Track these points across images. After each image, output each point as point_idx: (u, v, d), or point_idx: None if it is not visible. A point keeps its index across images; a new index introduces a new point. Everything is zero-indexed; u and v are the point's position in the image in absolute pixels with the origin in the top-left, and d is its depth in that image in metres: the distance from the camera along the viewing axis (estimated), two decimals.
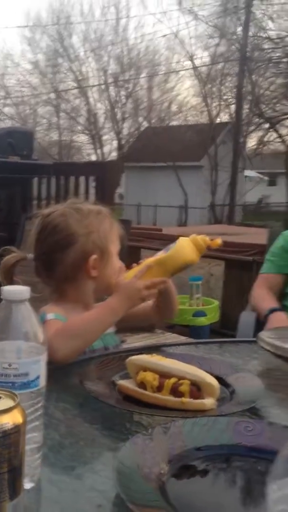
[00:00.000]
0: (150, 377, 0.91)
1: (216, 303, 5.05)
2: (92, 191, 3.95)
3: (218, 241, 1.18)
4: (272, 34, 18.83)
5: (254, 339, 1.26)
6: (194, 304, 4.92)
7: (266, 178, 27.18)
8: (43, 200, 4.04)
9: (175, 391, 0.89)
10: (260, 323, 1.91)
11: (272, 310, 1.91)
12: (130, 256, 2.55)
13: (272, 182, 29.06)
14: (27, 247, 1.33)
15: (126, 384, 0.94)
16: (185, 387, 0.89)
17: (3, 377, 0.62)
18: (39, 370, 0.64)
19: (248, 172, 22.21)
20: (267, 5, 18.65)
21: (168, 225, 10.68)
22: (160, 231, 6.38)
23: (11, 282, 1.22)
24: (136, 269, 1.18)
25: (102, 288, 1.25)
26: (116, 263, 1.28)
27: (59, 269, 1.22)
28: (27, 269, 1.30)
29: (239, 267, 5.23)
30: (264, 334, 1.21)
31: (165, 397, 0.89)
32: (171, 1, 36.32)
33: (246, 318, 2.06)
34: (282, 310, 1.94)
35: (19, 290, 0.64)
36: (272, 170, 25.61)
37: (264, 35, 19.01)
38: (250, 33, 18.45)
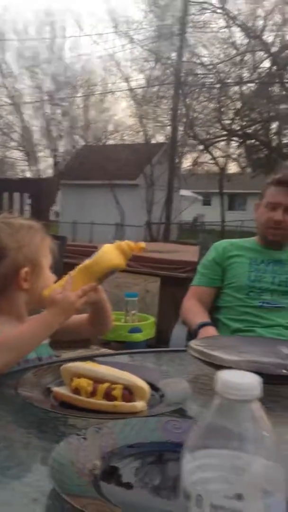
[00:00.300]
0: (84, 383, 0.95)
1: (151, 319, 5.13)
2: (27, 207, 3.93)
3: (142, 244, 1.22)
4: (205, 60, 19.67)
5: (185, 348, 1.33)
6: (130, 320, 4.96)
7: (200, 197, 27.99)
8: None
9: (108, 396, 0.94)
10: (191, 335, 1.96)
11: (202, 325, 1.95)
12: (64, 273, 2.57)
13: (206, 202, 29.98)
14: None
15: (61, 390, 0.97)
16: (117, 391, 0.94)
17: None
18: None
19: (183, 192, 22.78)
20: (200, 32, 19.47)
21: (104, 243, 10.68)
22: (96, 248, 6.41)
23: None
24: (61, 281, 1.20)
25: (35, 301, 1.27)
26: (49, 276, 1.30)
27: None
28: None
29: (174, 284, 5.33)
30: (193, 343, 1.28)
31: (99, 401, 0.93)
32: (107, 23, 36.97)
33: (178, 331, 2.12)
34: (212, 323, 1.98)
35: None
36: (206, 190, 26.44)
37: (197, 61, 19.79)
38: (184, 59, 19.13)
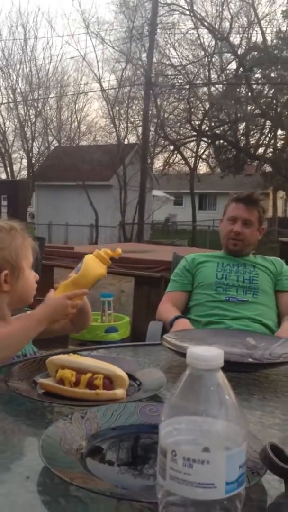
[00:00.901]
0: (68, 374, 1.03)
1: (127, 318, 5.20)
2: (3, 209, 3.96)
3: (119, 250, 1.32)
4: (175, 61, 19.87)
5: (159, 342, 1.42)
6: (106, 320, 5.04)
7: (172, 197, 28.21)
8: None
9: (90, 385, 1.02)
10: (166, 331, 2.08)
11: (176, 317, 2.09)
12: (43, 274, 2.62)
13: (178, 202, 30.23)
14: None
15: (47, 381, 1.05)
16: (99, 380, 1.02)
17: None
18: None
19: (155, 192, 22.93)
20: (170, 33, 19.66)
21: (79, 244, 10.76)
22: (72, 249, 6.45)
23: None
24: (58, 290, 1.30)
25: (16, 301, 1.33)
26: (29, 276, 1.35)
27: None
28: None
29: (148, 283, 5.41)
30: (167, 336, 1.37)
31: (82, 390, 1.01)
32: (78, 24, 36.86)
33: (154, 326, 2.22)
34: (185, 317, 2.13)
35: None
36: (178, 190, 26.67)
37: (167, 62, 19.98)
38: (155, 59, 19.28)
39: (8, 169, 23.52)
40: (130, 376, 1.09)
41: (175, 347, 1.28)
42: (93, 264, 1.30)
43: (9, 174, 23.18)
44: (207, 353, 0.47)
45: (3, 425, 0.92)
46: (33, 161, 22.88)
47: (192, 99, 19.83)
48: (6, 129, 23.28)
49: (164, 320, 2.18)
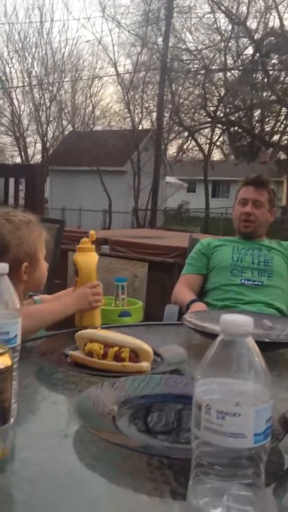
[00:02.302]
0: (96, 347, 1.10)
1: (140, 303, 5.26)
2: (21, 193, 4.03)
3: (92, 232, 1.44)
4: (191, 46, 19.67)
5: (177, 322, 1.49)
6: (119, 305, 5.10)
7: (185, 184, 28.13)
8: None
9: (117, 358, 1.09)
10: (181, 314, 2.14)
11: (193, 301, 2.15)
12: (60, 258, 2.68)
13: (191, 189, 30.13)
14: None
15: (76, 353, 1.12)
16: (125, 353, 1.09)
17: None
18: (16, 330, 0.81)
19: (169, 178, 22.90)
20: (186, 17, 19.44)
21: (92, 229, 10.79)
22: (86, 233, 6.52)
23: None
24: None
25: (30, 288, 1.44)
26: (43, 266, 1.44)
27: None
28: None
29: (162, 269, 5.46)
30: (187, 316, 1.44)
31: (110, 363, 1.08)
32: (95, 7, 36.54)
33: (170, 310, 2.29)
34: (200, 301, 2.19)
35: (1, 266, 0.81)
36: (191, 177, 26.58)
37: (183, 47, 19.79)
38: (170, 44, 19.12)
39: (23, 153, 23.61)
40: (153, 352, 1.16)
41: (195, 326, 1.34)
42: (82, 258, 1.42)
43: (23, 157, 23.26)
44: (239, 319, 0.53)
45: (39, 391, 1.00)
46: (47, 145, 22.92)
47: (207, 84, 19.66)
48: (21, 112, 23.33)
49: (180, 303, 2.24)
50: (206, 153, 21.15)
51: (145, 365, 1.08)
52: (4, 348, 0.72)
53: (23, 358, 1.10)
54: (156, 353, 1.17)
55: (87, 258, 1.43)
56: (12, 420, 0.77)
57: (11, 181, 3.99)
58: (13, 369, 0.73)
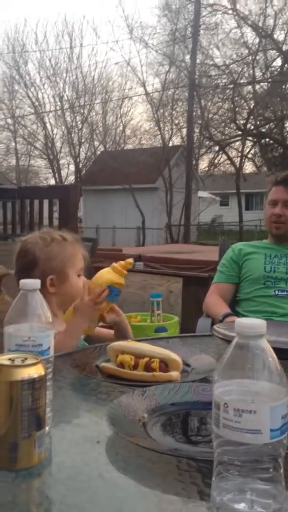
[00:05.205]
0: (127, 358, 1.14)
1: (176, 318, 5.27)
2: (55, 214, 4.16)
3: (130, 260, 1.47)
4: (218, 61, 19.80)
5: (209, 333, 1.51)
6: (155, 320, 5.12)
7: (218, 198, 28.06)
8: (9, 223, 4.21)
9: (148, 368, 1.12)
10: None
11: (226, 315, 2.14)
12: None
13: (224, 202, 30.03)
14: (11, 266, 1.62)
15: (108, 365, 1.16)
16: (155, 364, 1.12)
17: (24, 347, 0.84)
18: (49, 342, 0.86)
19: (201, 193, 22.91)
20: (213, 34, 19.61)
21: (127, 246, 10.92)
22: (120, 251, 6.61)
23: None
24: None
25: (65, 302, 1.52)
26: (76, 281, 1.54)
27: None
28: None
29: (196, 283, 5.46)
30: (217, 326, 1.46)
31: (140, 373, 1.12)
32: (122, 30, 37.35)
33: (203, 323, 2.31)
34: (234, 315, 2.18)
35: (33, 282, 0.86)
36: (223, 190, 26.51)
37: (210, 63, 19.94)
38: (198, 61, 19.30)
39: (57, 174, 24.16)
40: (183, 362, 1.19)
41: (225, 336, 1.37)
42: (104, 273, 1.46)
43: (57, 179, 23.79)
44: (253, 322, 0.57)
45: (73, 401, 1.04)
46: (80, 166, 23.39)
47: (236, 98, 19.70)
48: (54, 136, 23.94)
49: (213, 315, 2.24)
50: (238, 166, 21.10)
51: (174, 374, 1.11)
52: (37, 359, 0.77)
53: (57, 370, 1.16)
54: (185, 363, 1.21)
55: (109, 275, 1.45)
56: (47, 428, 0.81)
57: (46, 203, 4.12)
58: (46, 378, 0.77)
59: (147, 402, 0.97)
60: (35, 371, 0.75)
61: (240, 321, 0.57)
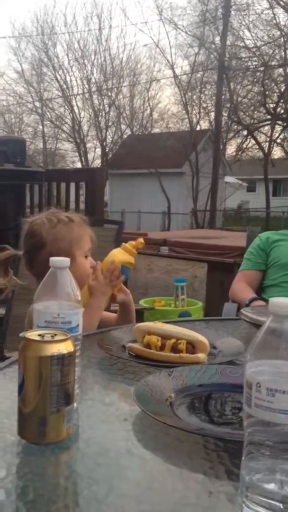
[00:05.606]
0: (154, 339, 1.14)
1: (200, 304, 5.26)
2: (81, 198, 4.17)
3: (140, 240, 1.50)
4: (249, 43, 19.37)
5: (236, 317, 1.50)
6: (179, 305, 5.13)
7: (245, 184, 27.69)
8: (36, 206, 4.24)
9: (174, 349, 1.12)
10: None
11: (253, 299, 2.15)
12: None
13: (251, 188, 29.62)
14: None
15: (135, 346, 1.16)
16: (182, 345, 1.12)
17: (53, 324, 0.84)
18: (78, 320, 0.86)
19: (228, 178, 22.63)
20: (244, 15, 19.17)
21: (152, 231, 10.90)
22: (146, 235, 6.61)
23: (5, 273, 1.52)
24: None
25: None
26: (82, 263, 1.53)
27: (35, 265, 1.50)
28: None
29: (221, 269, 5.44)
30: (244, 310, 1.45)
31: (167, 354, 1.12)
32: (152, 11, 36.88)
33: (229, 307, 2.30)
34: (261, 299, 2.17)
35: (62, 259, 0.86)
36: (251, 176, 26.14)
37: (241, 44, 19.53)
38: (228, 42, 18.93)
39: (83, 158, 24.19)
40: (210, 345, 1.18)
41: (252, 320, 1.35)
42: (116, 252, 1.50)
43: (84, 163, 23.84)
44: (287, 302, 0.56)
45: (100, 379, 1.05)
46: (106, 150, 23.36)
47: (267, 81, 19.27)
48: (81, 119, 23.93)
49: (239, 300, 2.24)
50: (266, 151, 20.73)
51: (201, 356, 1.11)
52: (67, 335, 0.77)
53: (85, 349, 1.16)
54: (212, 346, 1.20)
55: (120, 254, 1.49)
56: (75, 404, 0.82)
57: (72, 186, 4.13)
58: (75, 355, 0.78)
59: (174, 383, 0.97)
60: (64, 347, 0.75)
61: (275, 300, 0.56)
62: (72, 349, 0.76)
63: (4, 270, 1.56)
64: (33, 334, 0.77)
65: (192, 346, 1.12)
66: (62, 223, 1.53)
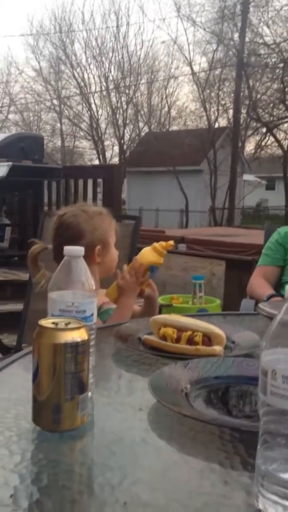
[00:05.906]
0: (170, 331, 1.13)
1: (218, 301, 5.22)
2: (99, 195, 4.18)
3: (171, 242, 1.53)
4: (268, 39, 19.19)
5: (253, 312, 1.48)
6: (197, 303, 5.09)
7: (264, 182, 27.46)
8: (54, 202, 4.26)
9: (190, 341, 1.11)
10: None
11: (271, 296, 2.12)
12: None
13: (270, 186, 29.36)
14: (47, 240, 1.66)
15: (151, 338, 1.16)
16: (198, 337, 1.11)
17: (67, 313, 0.84)
18: (92, 309, 0.86)
19: (246, 176, 22.48)
20: (263, 11, 19.00)
21: (170, 228, 10.87)
22: (163, 232, 6.60)
23: (36, 267, 1.53)
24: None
25: (104, 272, 1.61)
26: (114, 251, 1.64)
27: None
28: (47, 257, 1.64)
29: (239, 267, 5.40)
30: (262, 304, 1.43)
31: (183, 346, 1.11)
32: (170, 8, 36.68)
33: (246, 303, 2.28)
34: (279, 295, 2.15)
35: (77, 248, 0.86)
36: (270, 174, 25.90)
37: (260, 41, 19.35)
38: (247, 39, 18.78)
39: (101, 156, 24.26)
40: (227, 338, 1.17)
41: (270, 314, 1.34)
42: (146, 252, 1.54)
43: (102, 161, 23.91)
44: None
45: (115, 370, 1.05)
46: (124, 148, 23.38)
47: (286, 78, 19.07)
48: (99, 117, 24.00)
49: (257, 296, 2.22)
50: (286, 148, 20.52)
51: (218, 348, 1.10)
52: (81, 323, 0.77)
53: (101, 341, 1.16)
54: (230, 340, 1.19)
55: (150, 255, 1.52)
56: (89, 393, 0.82)
57: (90, 182, 4.14)
58: (89, 344, 0.77)
59: (190, 374, 0.96)
60: (78, 335, 0.75)
61: None
62: (86, 337, 0.76)
63: (36, 264, 1.61)
64: (47, 322, 0.77)
65: (208, 339, 1.11)
66: (96, 214, 1.62)
